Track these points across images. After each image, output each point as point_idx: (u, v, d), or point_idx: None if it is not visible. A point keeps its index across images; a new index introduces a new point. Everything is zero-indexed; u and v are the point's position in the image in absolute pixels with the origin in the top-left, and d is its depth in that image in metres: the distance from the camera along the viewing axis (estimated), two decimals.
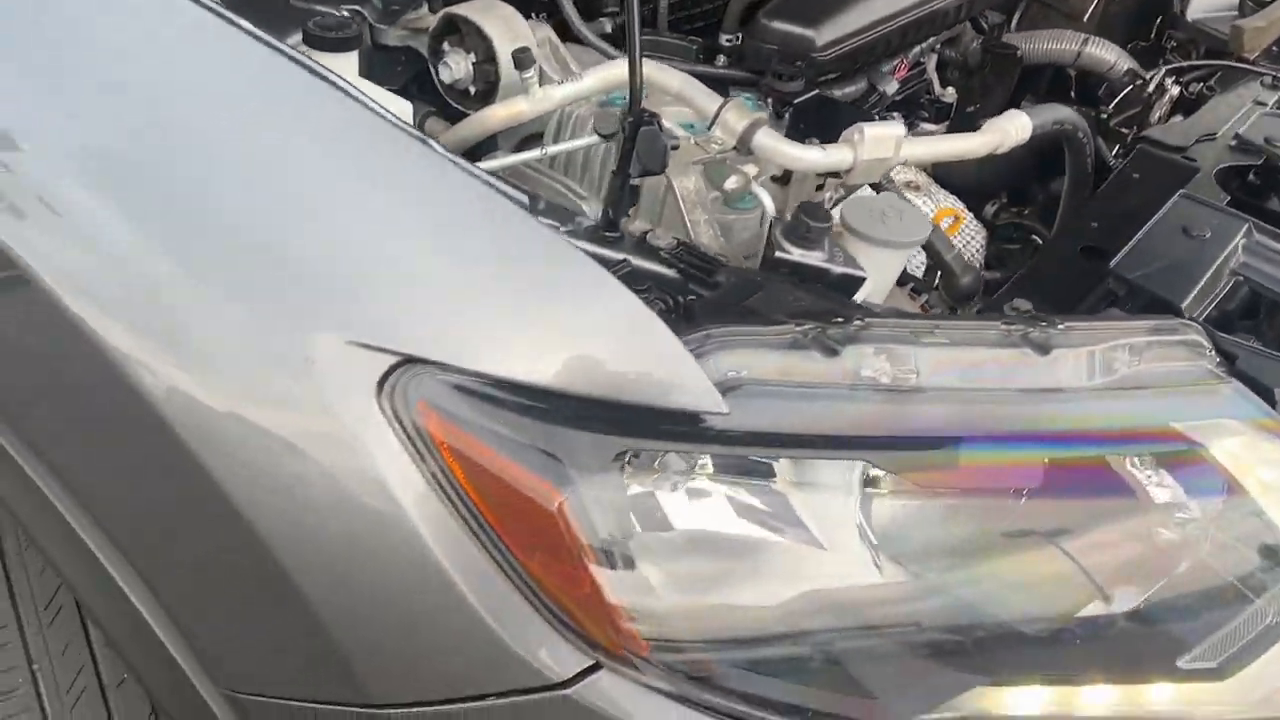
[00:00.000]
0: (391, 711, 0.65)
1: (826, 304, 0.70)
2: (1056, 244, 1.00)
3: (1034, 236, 1.29)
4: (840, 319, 0.66)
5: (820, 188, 1.01)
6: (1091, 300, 0.85)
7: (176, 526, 0.69)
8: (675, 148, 0.77)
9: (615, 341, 0.61)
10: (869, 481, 0.64)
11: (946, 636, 0.66)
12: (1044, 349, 0.69)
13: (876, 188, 1.00)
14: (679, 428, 0.60)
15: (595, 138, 0.93)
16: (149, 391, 0.63)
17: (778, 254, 0.73)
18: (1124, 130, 1.17)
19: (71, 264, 0.66)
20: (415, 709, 0.64)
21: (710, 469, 0.61)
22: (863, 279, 0.76)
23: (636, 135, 0.70)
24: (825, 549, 0.63)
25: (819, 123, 1.01)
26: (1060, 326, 0.71)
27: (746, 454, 0.61)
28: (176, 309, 0.63)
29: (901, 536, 0.66)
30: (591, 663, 0.62)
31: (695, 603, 0.62)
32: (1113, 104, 1.20)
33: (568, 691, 0.61)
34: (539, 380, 0.60)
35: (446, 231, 0.64)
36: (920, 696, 0.66)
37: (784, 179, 0.96)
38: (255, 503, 0.63)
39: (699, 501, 0.61)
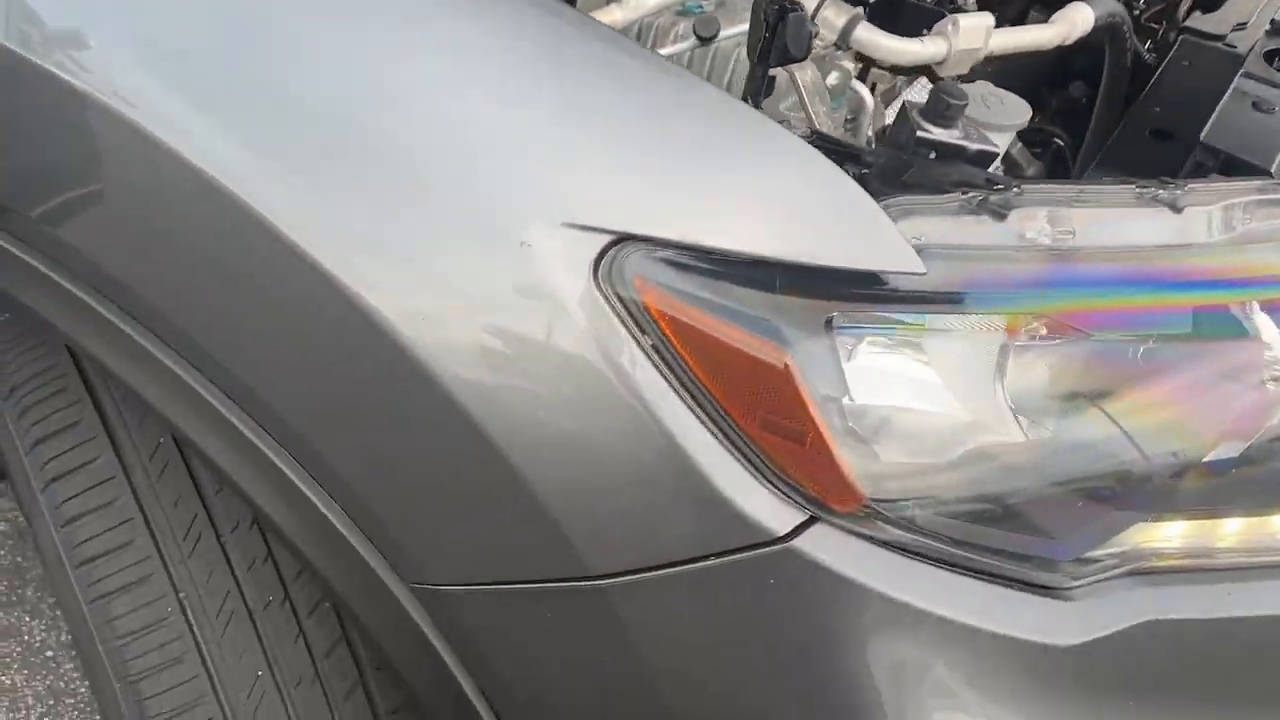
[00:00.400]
0: (611, 581, 0.68)
1: (976, 175, 0.74)
2: (1124, 133, 1.06)
3: (1056, 140, 1.35)
4: (1000, 186, 0.70)
5: (891, 89, 1.05)
6: (1181, 174, 0.91)
7: (382, 421, 0.70)
8: (817, 35, 0.80)
9: (818, 207, 0.64)
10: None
11: (1101, 483, 0.72)
12: (1176, 207, 0.74)
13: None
14: (882, 290, 0.64)
15: (682, 45, 0.95)
16: (359, 295, 0.65)
17: (919, 134, 0.77)
18: (1154, 25, 1.23)
19: (266, 177, 0.67)
20: (636, 576, 0.67)
21: (911, 328, 0.65)
22: (996, 153, 0.80)
23: (780, 24, 0.73)
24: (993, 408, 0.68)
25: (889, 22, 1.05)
26: (1184, 188, 0.76)
27: (949, 313, 0.65)
28: (383, 204, 0.65)
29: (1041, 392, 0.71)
30: (808, 517, 0.65)
31: (904, 460, 0.66)
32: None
33: (788, 545, 0.65)
34: (748, 249, 0.63)
35: (647, 112, 0.66)
36: (1091, 535, 0.71)
37: (861, 76, 1.00)
38: (473, 391, 0.65)
39: (902, 361, 0.65)
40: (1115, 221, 0.73)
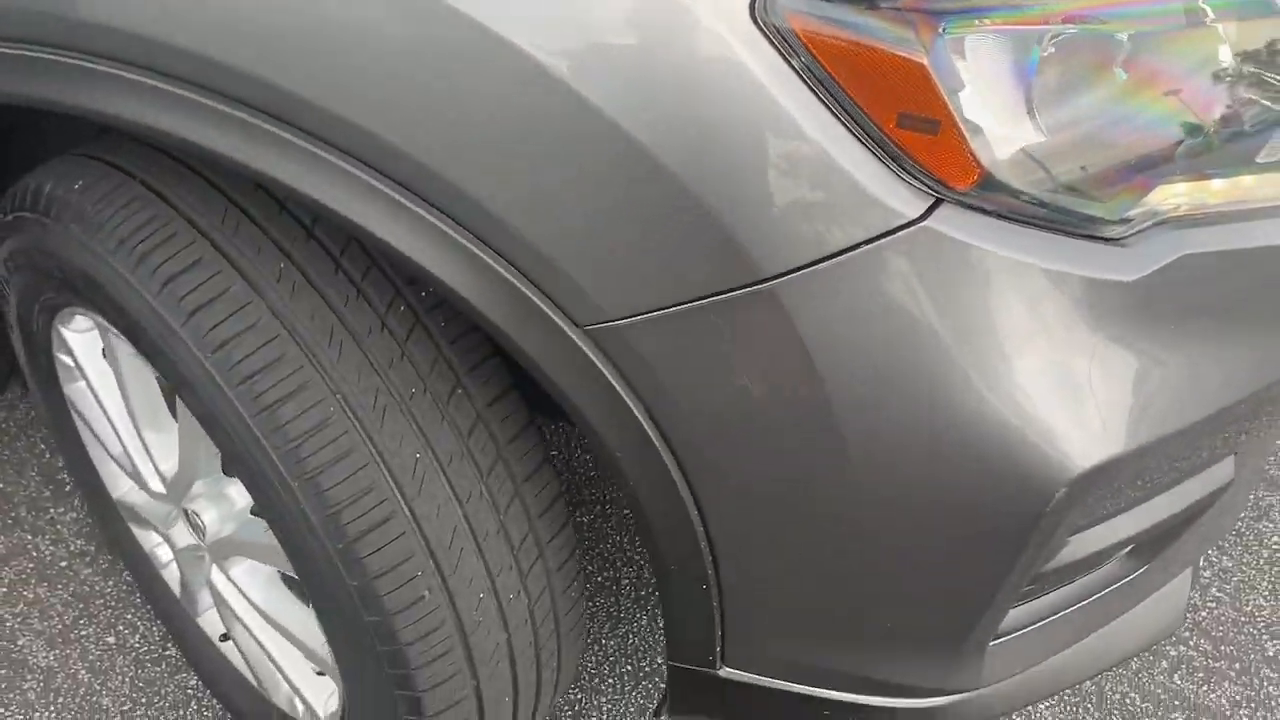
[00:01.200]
0: (780, 280, 0.81)
1: None
2: None
3: None
4: None
5: None
6: None
7: (555, 164, 0.79)
8: None
9: None
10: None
11: (1131, 155, 0.88)
12: None
13: None
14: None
15: None
16: (514, 41, 0.75)
17: None
18: None
19: None
20: (800, 272, 0.80)
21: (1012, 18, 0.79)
22: None
23: None
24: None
25: None
26: None
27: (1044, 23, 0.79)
28: None
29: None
30: (935, 199, 0.80)
31: (1012, 141, 0.80)
32: None
33: (923, 224, 0.80)
34: None
35: None
36: (1129, 199, 0.88)
37: None
38: (641, 121, 0.76)
39: (1005, 56, 0.79)
40: None
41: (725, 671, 1.11)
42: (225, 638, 1.46)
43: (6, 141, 1.35)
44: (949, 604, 0.99)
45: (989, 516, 0.90)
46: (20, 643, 1.64)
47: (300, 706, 1.35)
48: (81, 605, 1.70)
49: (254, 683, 1.43)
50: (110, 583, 1.72)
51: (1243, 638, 1.83)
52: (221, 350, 0.95)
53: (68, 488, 1.85)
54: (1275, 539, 1.98)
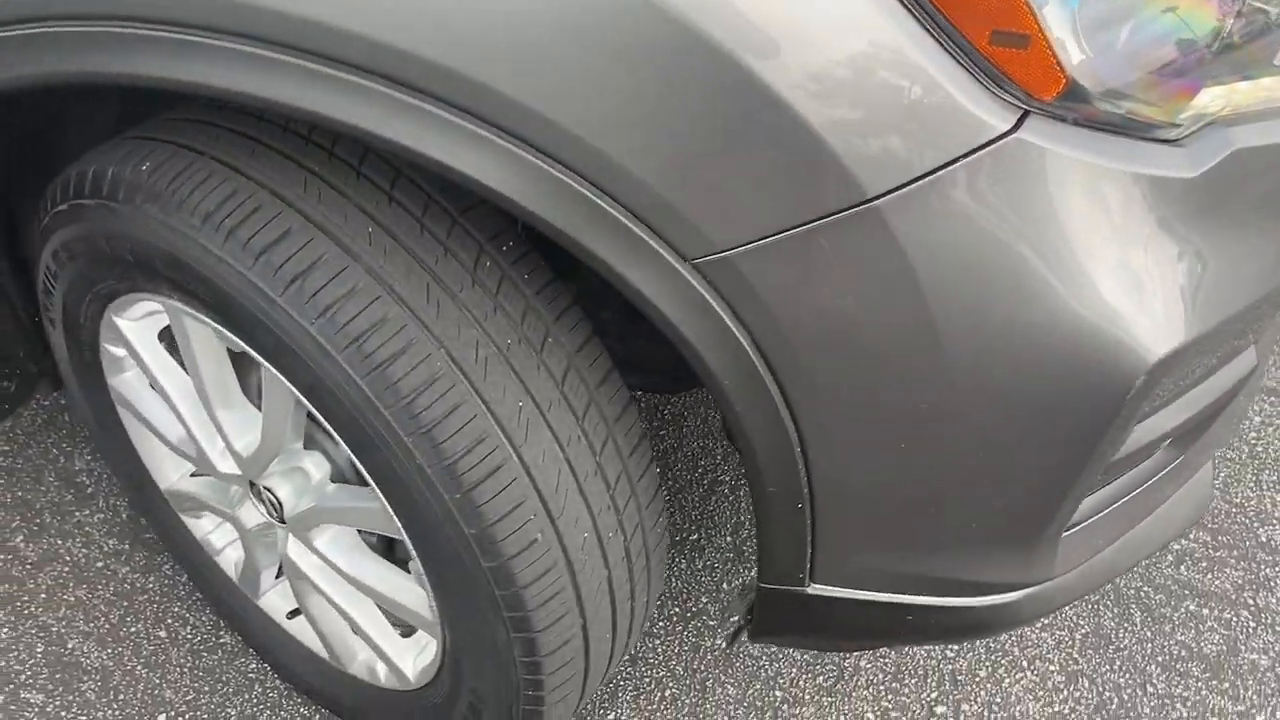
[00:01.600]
0: (884, 199, 0.86)
1: None
2: None
3: None
4: None
5: None
6: None
7: (670, 100, 0.83)
8: None
9: None
10: None
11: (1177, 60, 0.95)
12: None
13: None
14: None
15: None
16: None
17: None
18: None
19: None
20: (903, 189, 0.85)
21: None
22: None
23: None
24: None
25: None
26: None
27: None
28: None
29: None
30: (1023, 111, 0.85)
31: (1088, 52, 0.86)
32: None
33: (1015, 135, 0.85)
34: None
35: None
36: (1181, 103, 0.95)
37: None
38: (747, 46, 0.80)
39: None
40: None
41: (813, 588, 1.16)
42: (294, 614, 1.47)
43: (33, 142, 1.33)
44: (1031, 497, 1.05)
45: (1074, 407, 0.97)
46: (70, 645, 1.63)
47: (382, 670, 1.38)
48: (125, 603, 1.69)
49: (325, 656, 1.45)
50: (151, 579, 1.72)
51: (1236, 527, 1.95)
52: (327, 315, 0.97)
53: (89, 489, 1.83)
54: (1253, 434, 2.10)
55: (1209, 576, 1.87)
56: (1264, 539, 1.93)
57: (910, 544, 1.11)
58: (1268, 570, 1.88)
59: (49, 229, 1.21)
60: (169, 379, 1.27)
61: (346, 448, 1.06)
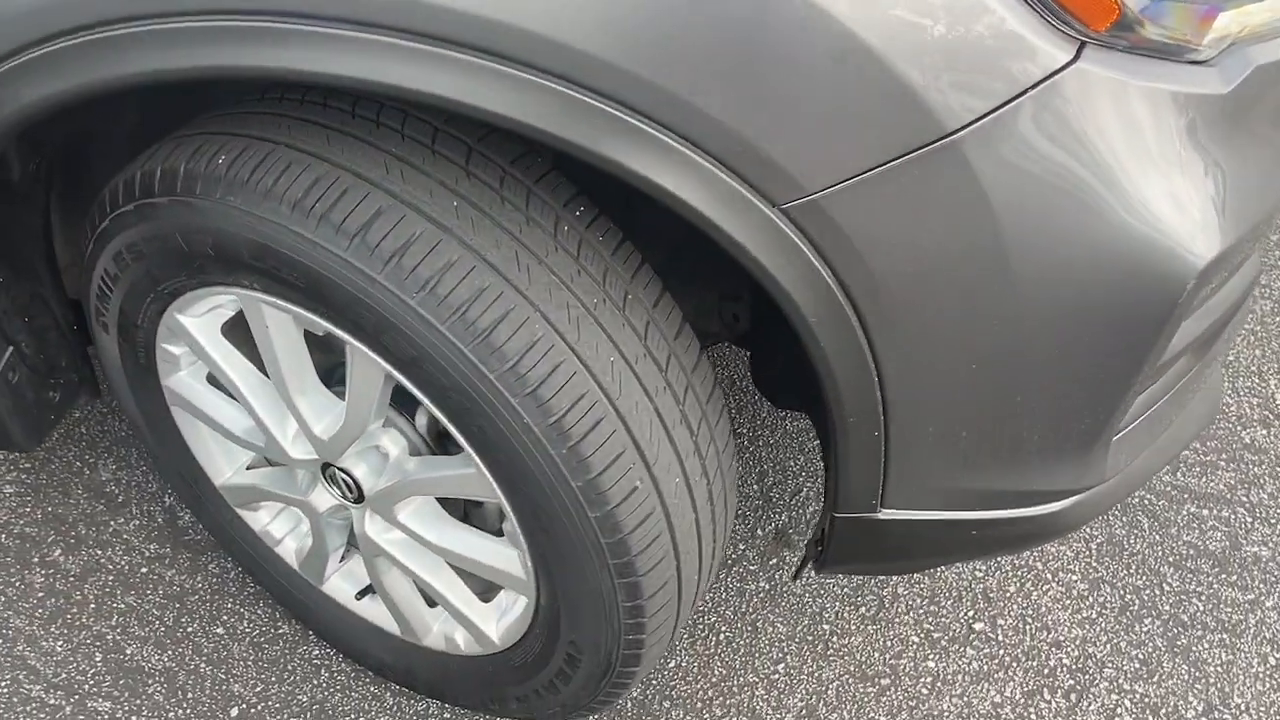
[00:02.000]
0: (961, 134, 0.92)
1: None
2: None
3: None
4: None
5: None
6: None
7: (763, 53, 0.88)
8: None
9: None
10: None
11: None
12: None
13: None
14: None
15: None
16: None
17: None
18: None
19: None
20: (979, 122, 0.91)
21: None
22: None
23: None
24: None
25: None
26: None
27: None
28: None
29: None
30: (1081, 43, 0.92)
31: None
32: None
33: (1076, 65, 0.92)
34: None
35: None
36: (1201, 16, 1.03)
37: None
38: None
39: None
40: None
41: (884, 513, 1.23)
42: (363, 594, 1.50)
43: (76, 152, 1.33)
44: (1091, 403, 1.13)
45: (1132, 313, 1.04)
46: (129, 651, 1.63)
47: (462, 638, 1.41)
48: (177, 605, 1.70)
49: (398, 631, 1.48)
50: (199, 579, 1.73)
51: (1222, 431, 2.07)
52: (428, 288, 1.01)
53: (120, 498, 1.83)
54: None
55: (1203, 480, 1.99)
56: (1248, 440, 2.05)
57: (977, 461, 1.18)
58: (1256, 469, 2.00)
59: (108, 233, 1.21)
60: (237, 371, 1.28)
61: (443, 417, 1.10)
